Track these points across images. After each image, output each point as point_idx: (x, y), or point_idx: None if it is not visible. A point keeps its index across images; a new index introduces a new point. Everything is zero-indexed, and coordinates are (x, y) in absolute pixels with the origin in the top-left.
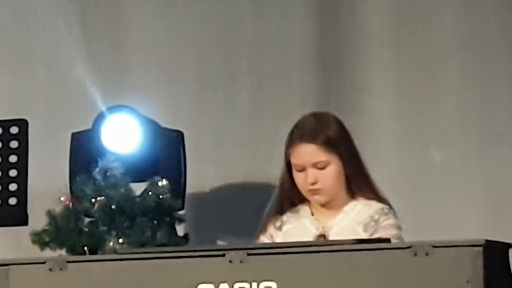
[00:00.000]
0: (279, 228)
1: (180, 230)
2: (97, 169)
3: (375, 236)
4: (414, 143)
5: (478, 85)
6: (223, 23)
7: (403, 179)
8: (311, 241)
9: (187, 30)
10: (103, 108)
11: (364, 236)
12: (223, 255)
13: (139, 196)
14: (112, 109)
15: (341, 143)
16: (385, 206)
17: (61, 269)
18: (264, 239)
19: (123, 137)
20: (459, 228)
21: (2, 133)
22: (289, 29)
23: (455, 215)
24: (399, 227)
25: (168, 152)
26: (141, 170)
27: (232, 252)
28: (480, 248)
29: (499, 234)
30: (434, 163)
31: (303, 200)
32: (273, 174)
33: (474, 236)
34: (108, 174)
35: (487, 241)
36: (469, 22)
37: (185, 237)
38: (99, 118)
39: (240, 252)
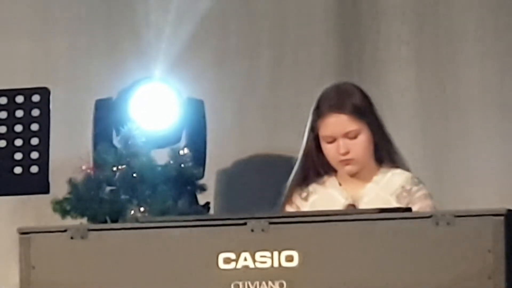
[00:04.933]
0: (305, 199)
1: (201, 199)
2: (119, 138)
3: (414, 207)
4: (434, 114)
5: (499, 56)
6: None
7: (424, 150)
8: (333, 210)
9: (208, 2)
10: (124, 76)
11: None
12: (245, 224)
13: (160, 165)
14: (141, 79)
15: (368, 111)
16: (413, 176)
17: (82, 237)
18: (290, 209)
19: (151, 106)
20: (481, 197)
21: (24, 102)
22: (309, 0)
23: (476, 185)
24: (431, 196)
25: (190, 121)
26: (163, 139)
27: (254, 221)
28: (502, 218)
29: None
30: (455, 134)
31: (328, 170)
32: (294, 144)
33: (496, 205)
34: (129, 142)
35: (509, 210)
36: None
37: (206, 206)
38: (128, 86)
39: (262, 221)
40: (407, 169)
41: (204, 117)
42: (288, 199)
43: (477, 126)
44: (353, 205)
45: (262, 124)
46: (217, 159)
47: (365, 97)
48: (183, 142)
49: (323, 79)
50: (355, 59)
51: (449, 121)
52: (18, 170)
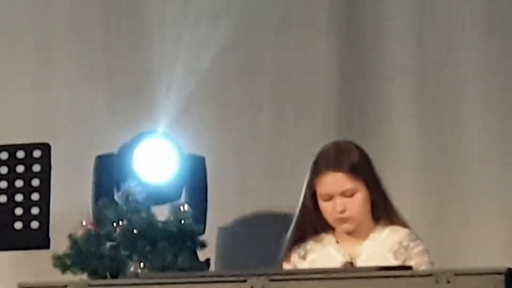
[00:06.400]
0: (304, 257)
1: (202, 255)
2: (119, 193)
3: (411, 263)
4: (435, 171)
5: (500, 115)
6: (245, 48)
7: (425, 206)
8: (333, 268)
9: (209, 55)
10: (125, 132)
11: (395, 263)
12: (245, 281)
13: (161, 221)
14: (144, 134)
15: (365, 169)
16: (411, 231)
17: None
18: (287, 267)
19: (152, 162)
20: (481, 256)
21: (25, 157)
22: (311, 56)
23: (477, 243)
24: (428, 252)
25: (191, 177)
26: (163, 195)
27: (254, 278)
28: (502, 276)
29: None
30: (456, 190)
31: (326, 228)
32: (295, 201)
33: (496, 264)
34: (130, 198)
35: (509, 269)
36: (493, 52)
37: (207, 262)
38: (129, 142)
39: (262, 278)
40: (406, 226)
41: (205, 173)
42: (286, 257)
43: (478, 182)
44: (350, 263)
45: (263, 180)
46: (218, 216)
47: (363, 155)
48: (183, 198)
49: (324, 136)
50: (356, 116)
51: (451, 177)
52: (18, 225)
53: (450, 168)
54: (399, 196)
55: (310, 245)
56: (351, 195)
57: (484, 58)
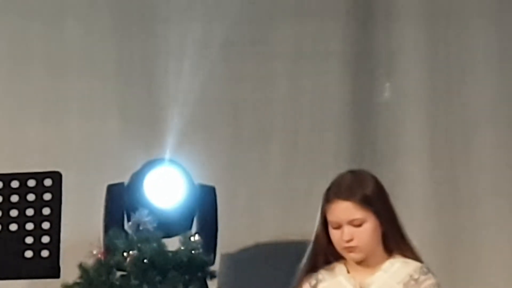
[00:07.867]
0: (314, 287)
1: (212, 285)
2: (130, 223)
3: None
4: (447, 205)
5: (511, 147)
6: (258, 79)
7: (436, 241)
8: None
9: (222, 86)
10: (136, 161)
11: None
12: None
13: (171, 251)
14: (154, 162)
15: (377, 201)
16: (423, 265)
17: None
18: None
19: (163, 190)
20: None
21: (36, 185)
22: (324, 86)
23: (489, 278)
24: (439, 286)
25: (202, 207)
26: (174, 225)
27: None
28: None
29: None
30: (467, 224)
31: (338, 257)
32: (306, 231)
33: None
34: (140, 228)
35: None
36: (505, 86)
37: None
38: (140, 171)
39: None
40: (418, 259)
41: (215, 204)
42: (298, 286)
43: (490, 215)
44: None
45: (275, 210)
46: (228, 245)
47: (378, 186)
48: (194, 228)
49: (336, 166)
50: (368, 147)
51: (462, 210)
52: (29, 254)
53: (461, 201)
54: (410, 228)
55: (322, 274)
56: (359, 225)
57: (496, 92)
